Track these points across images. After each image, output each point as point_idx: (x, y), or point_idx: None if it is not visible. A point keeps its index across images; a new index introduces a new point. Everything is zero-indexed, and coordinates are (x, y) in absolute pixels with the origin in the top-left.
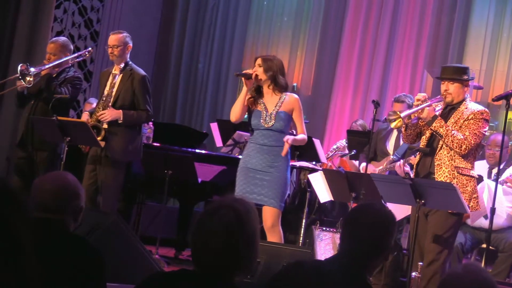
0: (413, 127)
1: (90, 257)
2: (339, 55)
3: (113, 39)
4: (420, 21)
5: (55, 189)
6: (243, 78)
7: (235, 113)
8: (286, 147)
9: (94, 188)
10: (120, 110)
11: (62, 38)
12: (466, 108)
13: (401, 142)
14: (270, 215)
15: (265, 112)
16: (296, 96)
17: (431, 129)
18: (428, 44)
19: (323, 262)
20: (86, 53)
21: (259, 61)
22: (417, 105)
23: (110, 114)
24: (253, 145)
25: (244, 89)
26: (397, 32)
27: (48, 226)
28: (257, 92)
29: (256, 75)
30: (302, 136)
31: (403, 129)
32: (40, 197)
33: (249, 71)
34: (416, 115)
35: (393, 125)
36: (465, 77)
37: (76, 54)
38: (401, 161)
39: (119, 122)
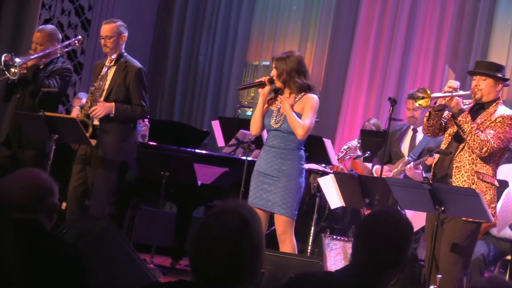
0: (436, 117)
1: (71, 258)
2: (352, 47)
3: (105, 29)
4: (442, 11)
5: (27, 186)
6: (259, 88)
7: (254, 125)
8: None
9: (82, 190)
10: (112, 103)
11: (50, 26)
12: (496, 110)
13: (417, 142)
14: (279, 224)
15: (276, 111)
16: (313, 95)
17: (455, 122)
18: (450, 36)
19: (333, 274)
20: (76, 42)
21: (273, 63)
22: (448, 92)
23: (102, 109)
24: (265, 147)
25: (261, 99)
26: (417, 23)
27: (23, 227)
28: (277, 91)
29: (271, 80)
30: (299, 121)
31: (425, 119)
32: (11, 196)
33: (260, 79)
34: (444, 101)
35: (419, 103)
36: (499, 75)
37: (65, 43)
38: (412, 163)
39: (111, 115)
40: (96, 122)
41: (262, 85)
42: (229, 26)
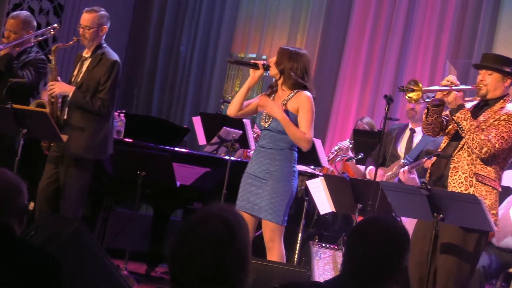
0: (435, 114)
1: (46, 266)
2: (346, 40)
3: (85, 18)
4: (443, 2)
5: None
6: (250, 69)
7: (233, 105)
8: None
9: (53, 189)
10: (72, 87)
11: (25, 13)
12: (502, 107)
13: (414, 144)
14: (266, 230)
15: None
16: (307, 93)
17: (453, 119)
18: (452, 30)
19: (321, 285)
20: (51, 30)
21: (278, 50)
22: (446, 86)
23: (59, 87)
24: (256, 147)
25: (248, 80)
26: (416, 15)
27: None
28: (276, 88)
29: (266, 66)
30: (299, 131)
31: (424, 116)
32: None
33: (257, 61)
34: (441, 96)
35: (409, 96)
36: (508, 69)
37: (40, 32)
38: (406, 167)
39: (68, 99)
40: (64, 117)
41: (255, 67)
42: (214, 14)
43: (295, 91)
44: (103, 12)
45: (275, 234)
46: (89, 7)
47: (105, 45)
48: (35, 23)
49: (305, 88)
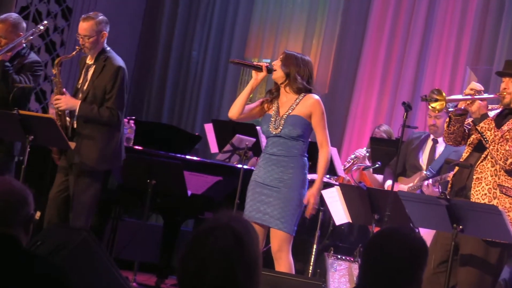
0: (457, 123)
1: (51, 276)
2: (363, 45)
3: (83, 27)
4: (464, 7)
5: None
6: (253, 70)
7: (235, 108)
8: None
9: (63, 198)
10: (78, 101)
11: (13, 15)
12: None
13: (437, 155)
14: (275, 239)
15: (275, 115)
16: (316, 96)
17: (476, 129)
18: (473, 35)
19: None
20: (41, 27)
21: (282, 54)
22: (470, 94)
23: (64, 103)
24: (263, 155)
25: (251, 82)
26: (435, 20)
27: None
28: (277, 93)
29: (269, 68)
30: (322, 161)
31: (445, 125)
32: None
33: (260, 63)
34: (464, 105)
35: (432, 106)
36: None
37: (29, 33)
38: (430, 180)
39: (75, 114)
40: (75, 126)
41: (258, 69)
42: (227, 18)
43: (302, 95)
44: (100, 18)
45: (284, 243)
46: (86, 14)
47: (108, 49)
48: (24, 25)
49: (310, 92)
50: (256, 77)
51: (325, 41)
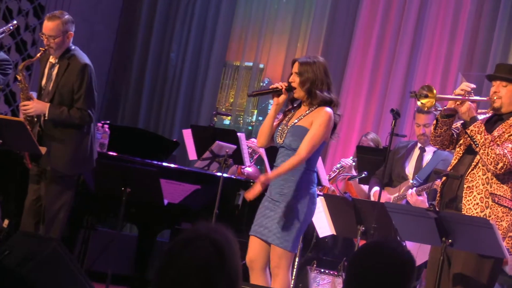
0: (445, 125)
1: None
2: (350, 49)
3: (48, 27)
4: (456, 10)
5: None
6: (273, 96)
7: (261, 137)
8: (255, 189)
9: (40, 205)
10: (47, 104)
11: None
12: None
13: (424, 163)
14: (273, 255)
15: (285, 125)
16: (327, 109)
17: (466, 132)
18: (465, 39)
19: None
20: (11, 27)
21: (296, 67)
22: (460, 94)
23: (33, 108)
24: (274, 166)
25: (273, 109)
26: (426, 23)
27: None
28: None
29: (290, 85)
30: (291, 161)
31: (432, 127)
32: None
33: (277, 85)
34: (454, 105)
35: (422, 102)
36: None
37: None
38: (415, 188)
39: (45, 118)
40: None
41: (277, 92)
42: (207, 18)
43: (315, 106)
44: (66, 17)
45: (282, 260)
46: (51, 13)
47: (73, 47)
48: None
49: (331, 103)
50: (277, 102)
51: (311, 44)
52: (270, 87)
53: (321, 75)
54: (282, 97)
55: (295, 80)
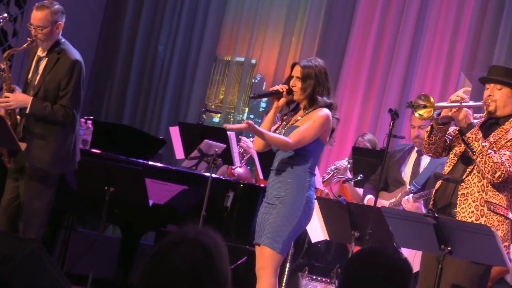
0: (440, 133)
1: None
2: (347, 45)
3: (36, 17)
4: (459, 7)
5: None
6: (273, 98)
7: (257, 141)
8: (239, 125)
9: (16, 204)
10: (30, 97)
11: None
12: None
13: (421, 168)
14: (260, 255)
15: (282, 127)
16: (325, 111)
17: (463, 140)
18: (468, 37)
19: None
20: (0, 20)
21: (297, 70)
22: (456, 101)
23: (14, 101)
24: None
25: (272, 111)
26: (428, 20)
27: None
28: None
29: (289, 90)
30: (280, 137)
31: (426, 134)
32: None
33: (277, 87)
34: (451, 113)
35: (419, 113)
36: None
37: None
38: (411, 195)
39: (27, 112)
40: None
41: (278, 95)
42: (198, 11)
43: (312, 108)
44: (56, 7)
45: (269, 262)
46: (40, 2)
47: (63, 40)
48: None
49: (331, 107)
50: (277, 105)
51: (306, 39)
52: (271, 89)
53: (323, 80)
54: (282, 100)
55: (296, 84)
